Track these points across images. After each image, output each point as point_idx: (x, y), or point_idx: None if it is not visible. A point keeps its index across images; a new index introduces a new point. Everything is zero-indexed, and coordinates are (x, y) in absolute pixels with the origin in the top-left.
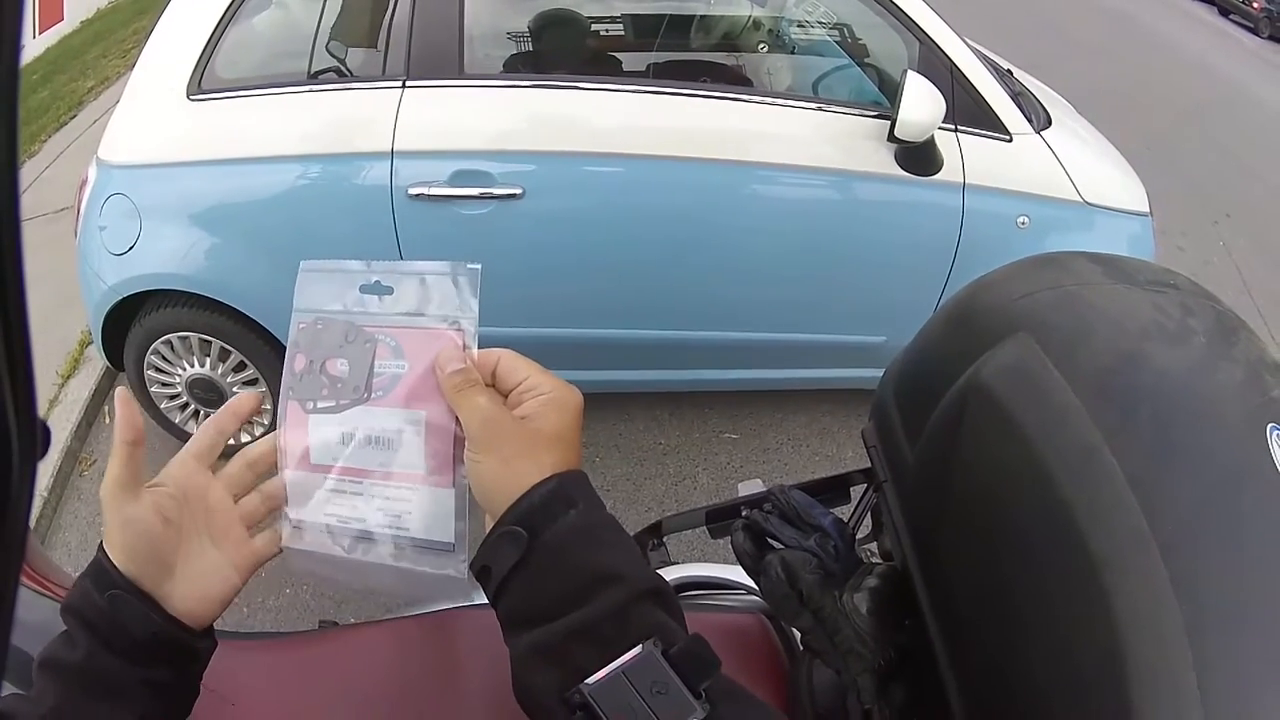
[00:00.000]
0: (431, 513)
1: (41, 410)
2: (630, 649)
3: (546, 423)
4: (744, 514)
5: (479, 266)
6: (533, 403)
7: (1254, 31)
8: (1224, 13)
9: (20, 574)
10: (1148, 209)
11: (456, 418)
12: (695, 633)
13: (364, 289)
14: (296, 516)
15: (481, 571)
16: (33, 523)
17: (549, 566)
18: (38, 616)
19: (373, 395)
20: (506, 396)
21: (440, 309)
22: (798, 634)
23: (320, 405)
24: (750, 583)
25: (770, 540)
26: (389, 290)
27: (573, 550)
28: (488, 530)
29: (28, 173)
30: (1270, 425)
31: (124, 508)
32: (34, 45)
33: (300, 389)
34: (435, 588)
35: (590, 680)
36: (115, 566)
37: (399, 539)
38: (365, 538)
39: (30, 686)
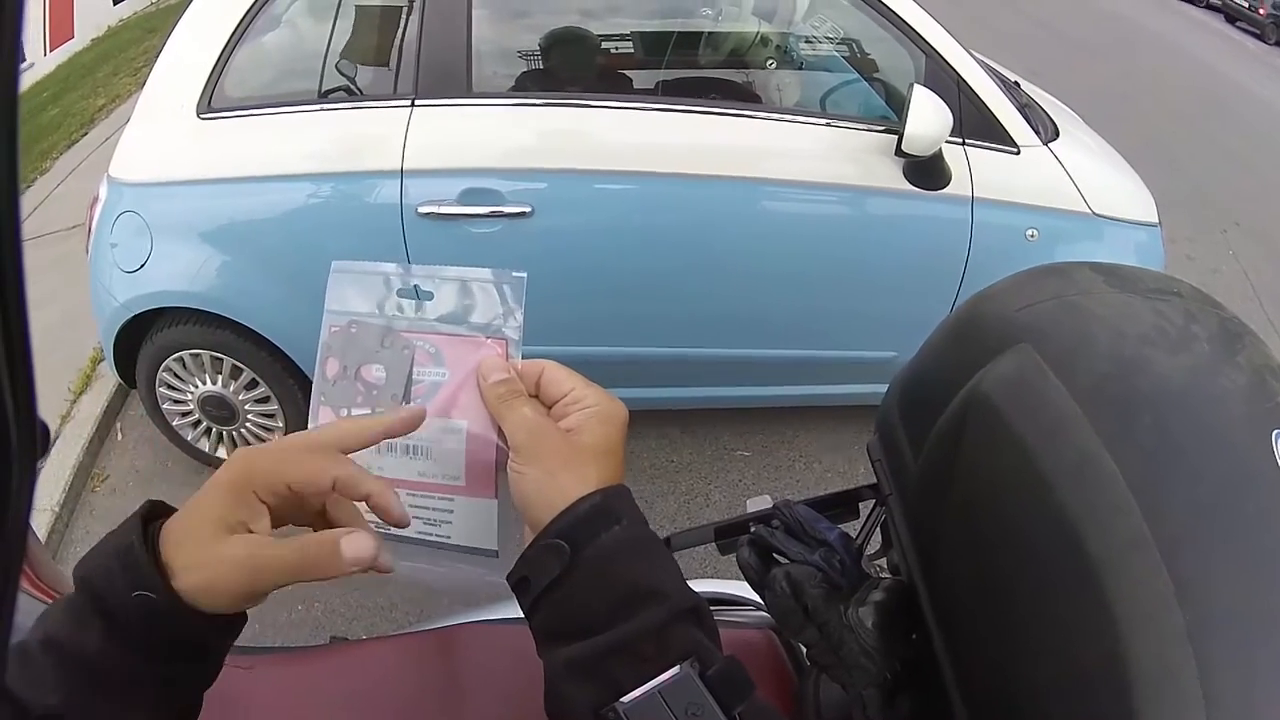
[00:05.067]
0: (472, 522)
1: (54, 427)
2: (668, 669)
3: (591, 436)
4: (751, 529)
5: (524, 275)
6: (578, 415)
7: (1260, 38)
8: (1230, 19)
9: (20, 573)
10: (1156, 219)
11: (498, 428)
12: (731, 654)
13: (401, 293)
14: None
15: (519, 583)
16: (44, 537)
17: (590, 581)
18: None
19: (411, 403)
20: (551, 408)
21: (483, 316)
22: (805, 649)
23: (355, 413)
24: (759, 599)
25: (776, 555)
26: (428, 295)
27: (614, 566)
28: (527, 542)
29: (39, 190)
30: (1276, 431)
31: (232, 544)
32: (44, 63)
33: (333, 395)
34: (476, 587)
35: (626, 699)
36: (158, 569)
37: (438, 544)
38: (402, 541)
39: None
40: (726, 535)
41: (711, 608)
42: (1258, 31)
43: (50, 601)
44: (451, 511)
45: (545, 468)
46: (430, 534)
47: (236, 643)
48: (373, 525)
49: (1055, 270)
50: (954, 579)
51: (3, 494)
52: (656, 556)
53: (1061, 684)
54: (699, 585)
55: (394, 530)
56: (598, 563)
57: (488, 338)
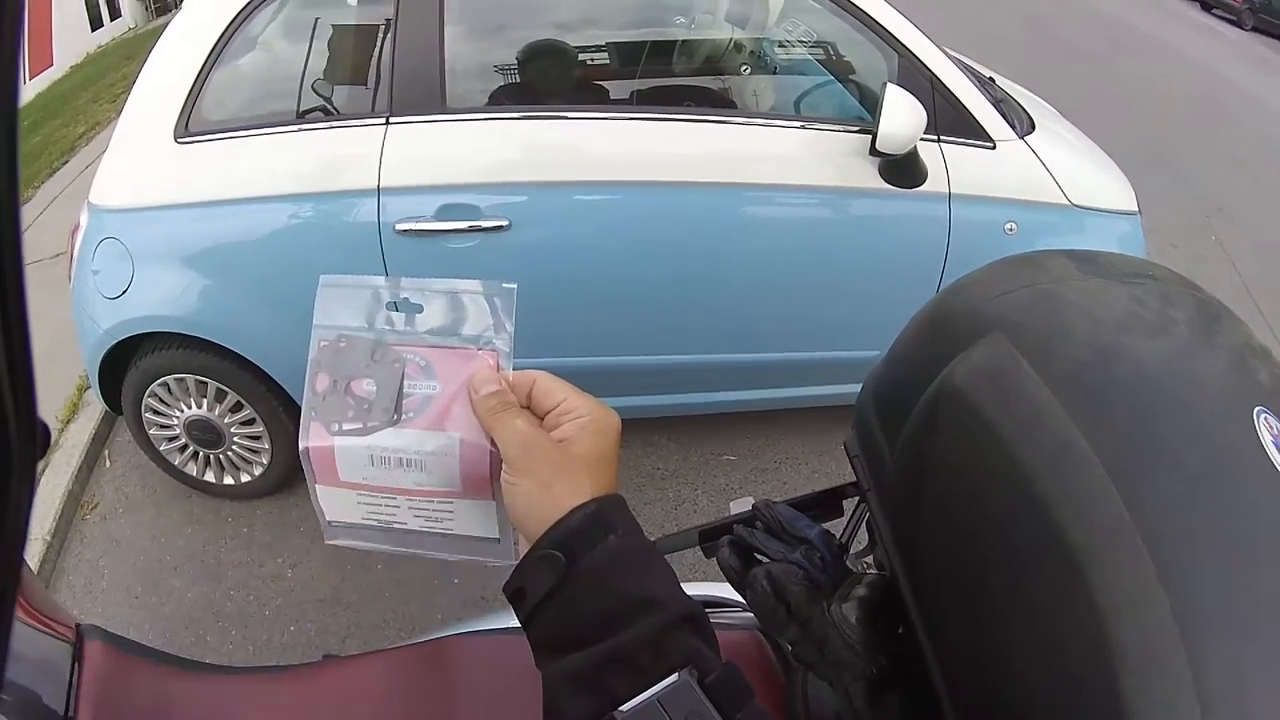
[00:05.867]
0: (472, 518)
1: (41, 455)
2: (665, 677)
3: (584, 446)
4: (733, 531)
5: (514, 285)
6: (570, 425)
7: (1237, 24)
8: (1206, 7)
9: (20, 571)
10: (1136, 208)
11: (491, 440)
12: (729, 660)
13: (390, 306)
14: (334, 518)
15: (515, 594)
16: (36, 566)
17: (586, 592)
18: (38, 653)
19: (403, 417)
20: (543, 419)
21: (473, 328)
22: (789, 647)
23: (346, 427)
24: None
25: (757, 555)
26: (417, 308)
27: (610, 575)
28: (523, 552)
29: (22, 219)
30: (1257, 409)
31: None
32: (24, 91)
33: (324, 410)
34: (483, 554)
35: (625, 708)
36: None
37: (442, 534)
38: (406, 531)
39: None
40: (710, 538)
41: None
42: (1234, 18)
43: (43, 629)
44: (452, 512)
45: (539, 479)
46: (433, 528)
47: (228, 663)
48: (373, 523)
49: (1028, 259)
50: (935, 572)
51: (3, 493)
52: (652, 565)
53: (1047, 674)
54: (687, 589)
55: (396, 526)
56: (593, 573)
57: (479, 349)
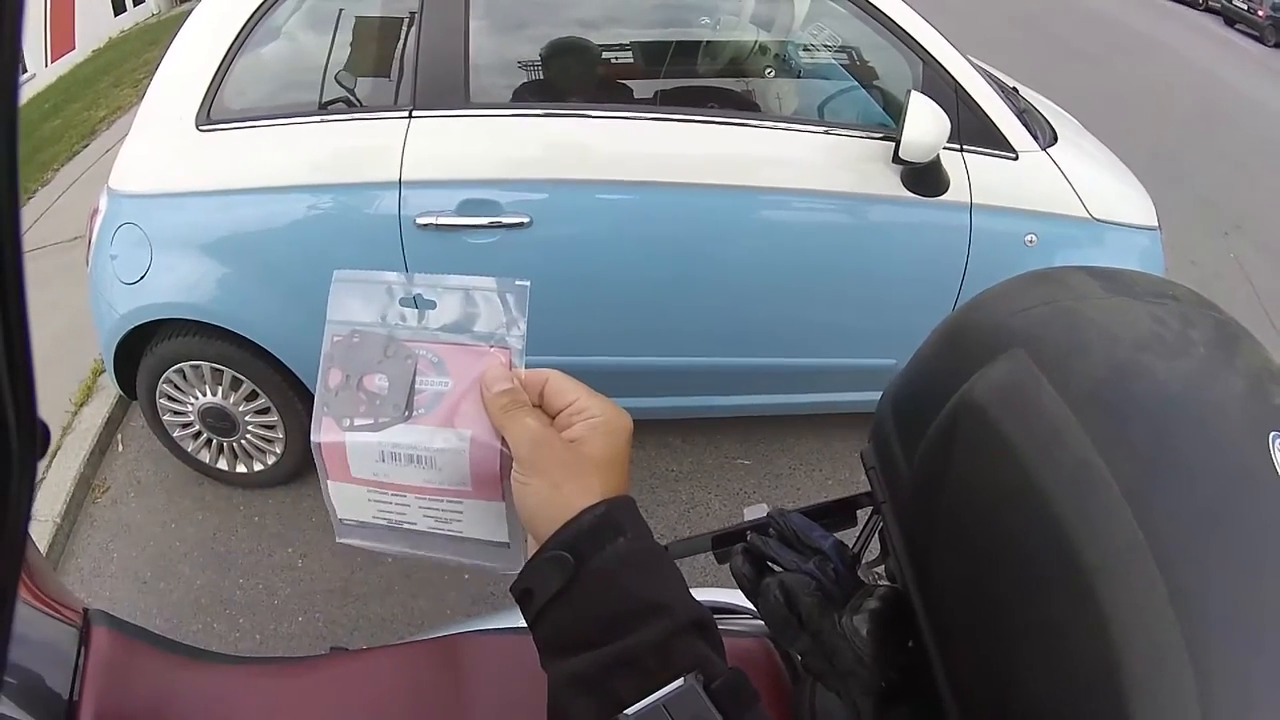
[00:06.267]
0: (481, 519)
1: (55, 438)
2: (671, 681)
3: (596, 447)
4: (747, 538)
5: (528, 283)
6: (581, 426)
7: (1260, 40)
8: (1229, 22)
9: (20, 572)
10: (1156, 223)
11: (502, 438)
12: (735, 666)
13: (403, 302)
14: (345, 516)
15: (523, 594)
16: (45, 549)
17: (593, 594)
18: (44, 637)
19: (414, 413)
20: (554, 418)
21: (486, 325)
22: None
23: (358, 423)
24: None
25: (770, 564)
26: (430, 304)
27: (618, 579)
28: (531, 553)
29: (41, 202)
30: (1273, 434)
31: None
32: (46, 74)
33: (336, 405)
34: (492, 559)
35: (629, 711)
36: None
37: (451, 536)
38: (416, 533)
39: (33, 706)
40: (723, 544)
41: None
42: (1257, 34)
43: (51, 613)
44: (461, 512)
45: (549, 479)
46: (442, 530)
47: (235, 652)
48: (383, 523)
49: (1049, 275)
50: (947, 587)
51: (2, 493)
52: (660, 569)
53: (1057, 692)
54: (697, 594)
55: (405, 526)
56: (601, 576)
57: (491, 347)
